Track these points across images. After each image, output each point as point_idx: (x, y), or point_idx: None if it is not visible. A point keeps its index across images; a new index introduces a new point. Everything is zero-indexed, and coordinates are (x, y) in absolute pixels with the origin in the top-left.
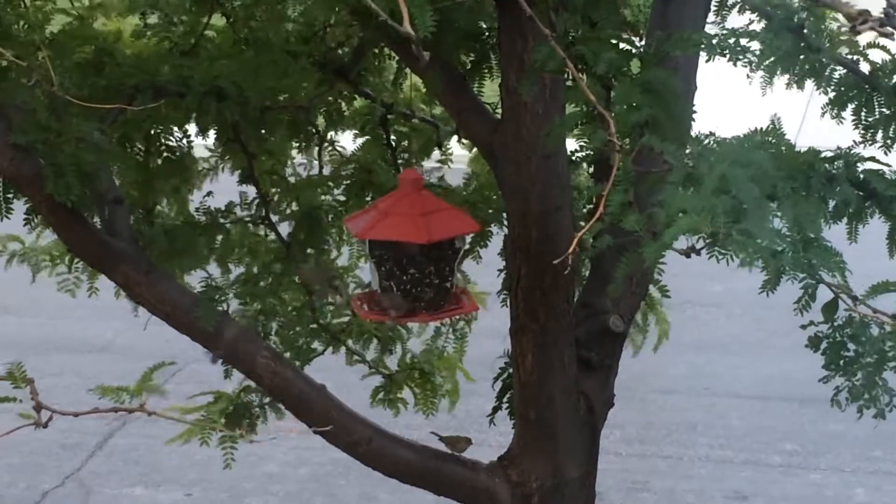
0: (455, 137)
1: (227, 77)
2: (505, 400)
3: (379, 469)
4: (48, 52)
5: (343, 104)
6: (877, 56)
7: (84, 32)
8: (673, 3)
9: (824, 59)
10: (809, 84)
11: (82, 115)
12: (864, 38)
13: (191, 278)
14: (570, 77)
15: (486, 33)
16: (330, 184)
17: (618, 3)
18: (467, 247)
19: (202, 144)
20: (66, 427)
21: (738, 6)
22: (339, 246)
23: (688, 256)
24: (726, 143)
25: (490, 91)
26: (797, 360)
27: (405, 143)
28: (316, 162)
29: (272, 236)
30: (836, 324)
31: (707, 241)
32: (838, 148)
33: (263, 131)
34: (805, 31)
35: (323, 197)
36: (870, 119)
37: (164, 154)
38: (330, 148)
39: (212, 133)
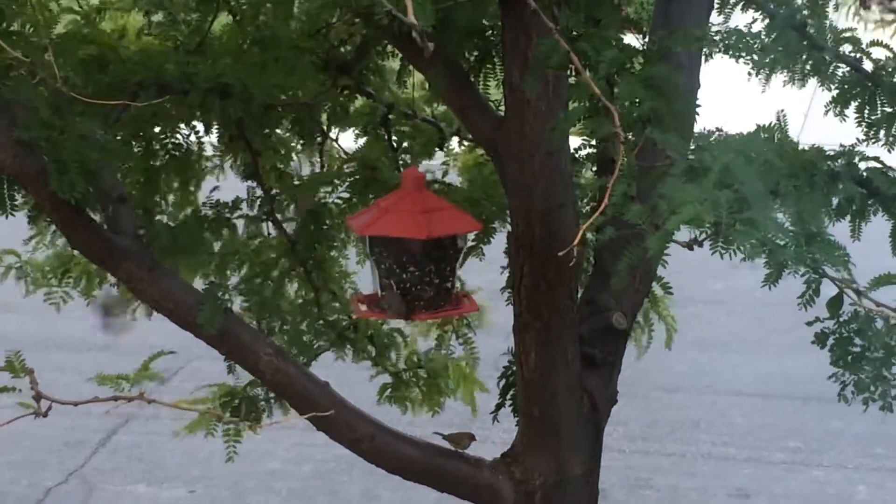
0: (455, 138)
1: (232, 74)
2: (508, 397)
3: (382, 466)
4: (53, 49)
5: (347, 101)
6: (880, 53)
7: (89, 30)
8: (675, 1)
9: (827, 57)
10: (813, 81)
11: (86, 113)
12: (865, 36)
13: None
14: (573, 73)
15: (490, 30)
16: (336, 181)
17: (621, 2)
18: (470, 244)
19: (209, 142)
20: (69, 424)
21: (741, 4)
22: (345, 244)
23: (691, 249)
24: (730, 138)
25: (494, 88)
26: (798, 358)
27: (406, 143)
28: (317, 160)
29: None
30: (841, 319)
31: (710, 232)
32: (841, 146)
33: (267, 129)
34: (808, 28)
35: (327, 193)
36: (873, 117)
37: (171, 151)
38: (332, 146)
39: (214, 130)
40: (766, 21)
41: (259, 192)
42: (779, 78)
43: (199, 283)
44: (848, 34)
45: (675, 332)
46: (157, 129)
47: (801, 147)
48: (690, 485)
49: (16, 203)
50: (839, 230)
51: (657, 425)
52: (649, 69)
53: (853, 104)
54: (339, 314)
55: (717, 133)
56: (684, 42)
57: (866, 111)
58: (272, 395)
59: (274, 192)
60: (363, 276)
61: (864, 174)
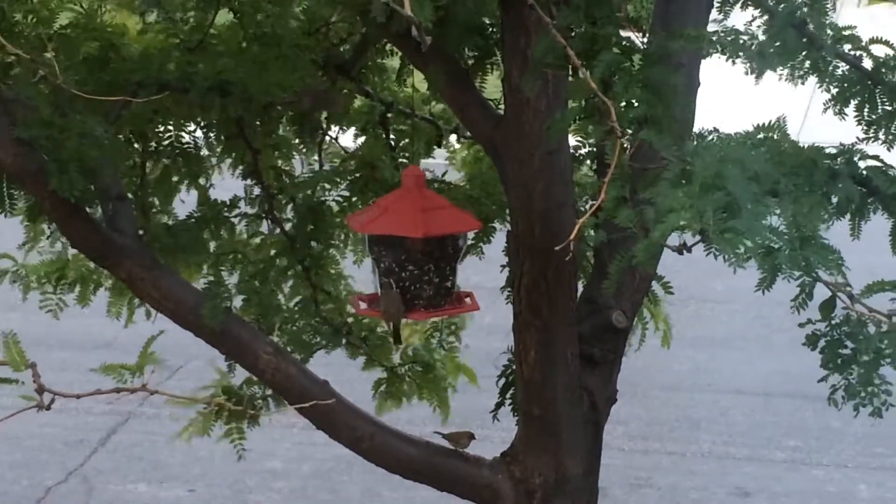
0: (454, 136)
1: (232, 72)
2: (508, 396)
3: (382, 465)
4: (54, 46)
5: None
6: (880, 52)
7: (90, 28)
8: (675, 0)
9: (827, 56)
10: (812, 80)
11: (86, 112)
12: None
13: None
14: (572, 72)
15: (489, 29)
16: (337, 179)
17: (619, 2)
18: (470, 242)
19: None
20: (70, 423)
21: (740, 2)
22: (345, 243)
23: (680, 253)
24: (728, 139)
25: (493, 87)
26: (799, 357)
27: (405, 141)
28: (316, 158)
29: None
30: (833, 322)
31: (697, 238)
32: (841, 144)
33: (268, 126)
34: (808, 26)
35: (327, 190)
36: (873, 115)
37: (178, 149)
38: (332, 144)
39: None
40: (766, 19)
41: (257, 191)
42: (777, 76)
43: (199, 283)
44: (847, 32)
45: (670, 332)
46: (159, 129)
47: (800, 145)
48: (690, 483)
49: (15, 203)
50: (838, 228)
51: (657, 424)
52: (647, 70)
53: (853, 102)
54: (334, 314)
55: (714, 133)
56: (682, 42)
57: (866, 109)
58: (269, 392)
59: (275, 185)
60: (361, 277)
61: (864, 173)
